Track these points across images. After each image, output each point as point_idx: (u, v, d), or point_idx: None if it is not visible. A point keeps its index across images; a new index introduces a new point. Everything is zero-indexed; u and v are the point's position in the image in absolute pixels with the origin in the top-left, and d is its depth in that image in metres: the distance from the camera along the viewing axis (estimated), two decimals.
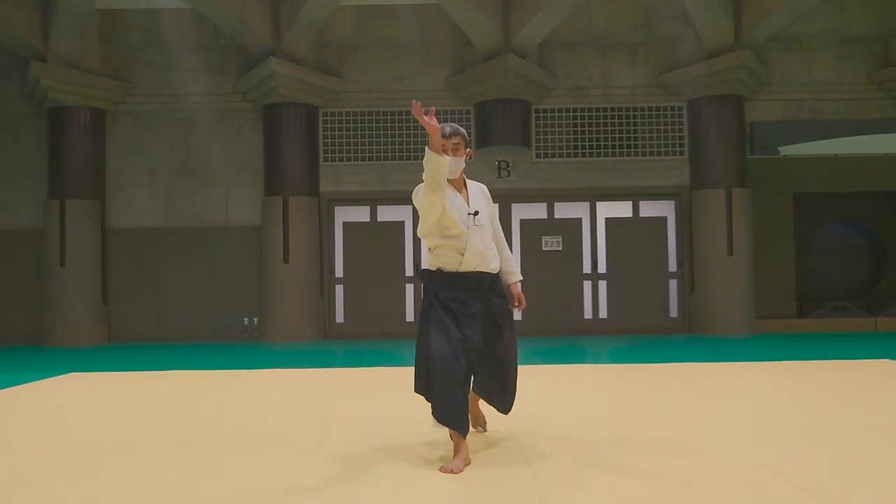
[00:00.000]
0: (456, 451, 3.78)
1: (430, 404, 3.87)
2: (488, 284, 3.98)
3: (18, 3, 11.21)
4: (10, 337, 12.23)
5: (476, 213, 3.95)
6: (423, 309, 3.96)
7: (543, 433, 4.51)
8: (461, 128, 4.05)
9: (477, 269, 3.92)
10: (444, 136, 3.89)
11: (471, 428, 4.06)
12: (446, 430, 3.86)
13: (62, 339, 11.83)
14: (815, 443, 4.21)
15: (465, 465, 3.73)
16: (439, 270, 3.96)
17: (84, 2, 11.03)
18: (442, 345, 3.76)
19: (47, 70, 11.54)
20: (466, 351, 3.82)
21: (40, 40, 11.50)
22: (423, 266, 4.09)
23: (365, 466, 3.82)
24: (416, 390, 3.97)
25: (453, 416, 3.74)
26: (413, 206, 4.18)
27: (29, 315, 12.26)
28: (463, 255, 3.89)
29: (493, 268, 3.99)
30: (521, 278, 4.20)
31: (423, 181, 3.88)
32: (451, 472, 3.66)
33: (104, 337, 12.25)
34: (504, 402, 4.17)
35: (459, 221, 3.88)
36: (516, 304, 4.12)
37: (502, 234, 4.21)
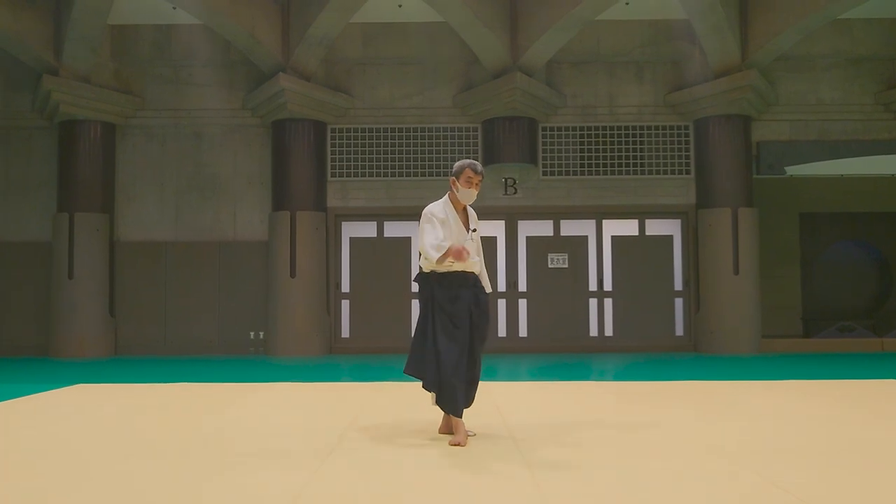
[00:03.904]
0: (456, 429, 4.67)
1: (425, 384, 4.80)
2: (472, 282, 4.89)
3: (31, 18, 11.34)
4: (18, 348, 12.29)
5: (475, 230, 5.01)
6: (424, 308, 4.87)
7: (549, 447, 4.52)
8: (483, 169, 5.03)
9: (464, 270, 4.83)
10: (475, 171, 4.90)
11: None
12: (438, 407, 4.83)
13: (69, 351, 11.87)
14: (824, 462, 4.21)
15: (467, 436, 4.66)
16: (433, 272, 4.82)
17: (96, 17, 11.15)
18: (447, 347, 4.68)
19: (59, 84, 11.66)
20: (465, 345, 4.71)
21: (52, 55, 11.62)
22: (419, 270, 5.00)
23: (374, 475, 3.84)
24: (407, 371, 4.89)
25: (456, 407, 4.69)
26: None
27: (37, 327, 12.32)
28: (454, 261, 4.72)
29: (476, 270, 4.92)
30: (489, 291, 5.03)
31: (430, 208, 4.95)
32: (459, 444, 4.55)
33: (111, 349, 12.28)
34: (474, 393, 4.89)
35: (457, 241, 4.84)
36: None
37: (481, 251, 5.14)
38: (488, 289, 5.01)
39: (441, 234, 4.76)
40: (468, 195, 4.90)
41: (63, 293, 11.96)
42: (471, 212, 5.09)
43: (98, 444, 4.76)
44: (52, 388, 7.63)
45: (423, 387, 4.84)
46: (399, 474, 3.93)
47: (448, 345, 4.68)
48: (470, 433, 4.82)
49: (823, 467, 4.06)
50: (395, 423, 5.39)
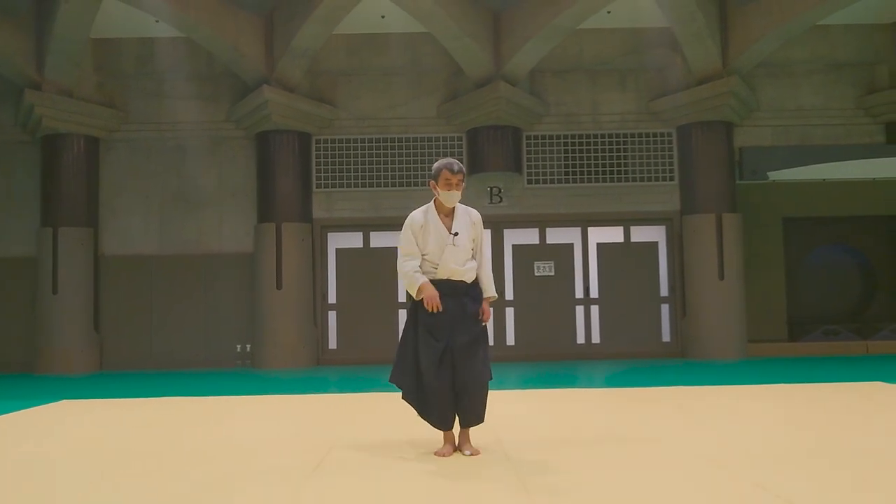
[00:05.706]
0: (445, 441, 4.64)
1: (404, 395, 4.73)
2: (462, 290, 4.65)
3: (13, 32, 11.29)
4: (2, 364, 12.17)
5: (456, 234, 4.66)
6: (408, 318, 4.75)
7: (540, 457, 4.52)
8: (462, 166, 4.74)
9: (449, 278, 4.63)
10: (451, 171, 4.62)
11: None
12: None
13: (54, 367, 11.77)
14: (809, 464, 4.23)
15: (453, 450, 4.59)
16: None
17: (79, 30, 11.11)
18: (428, 363, 4.53)
19: (41, 98, 11.60)
20: (447, 357, 4.52)
21: (35, 69, 11.57)
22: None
23: (362, 489, 3.82)
24: (391, 380, 4.77)
25: (442, 421, 4.60)
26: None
27: (21, 342, 12.19)
28: (437, 268, 4.64)
29: (466, 278, 4.67)
30: (493, 296, 4.77)
31: (411, 214, 4.74)
32: (444, 455, 4.53)
33: (96, 364, 12.19)
34: (472, 406, 4.59)
35: (437, 251, 4.63)
36: (481, 315, 4.70)
37: (487, 255, 4.87)
38: (487, 293, 4.74)
39: (417, 262, 4.62)
40: (450, 197, 4.64)
41: (47, 308, 11.87)
42: (461, 214, 4.75)
43: (84, 461, 4.72)
44: (36, 405, 7.56)
45: (402, 397, 4.74)
46: (388, 487, 3.91)
47: (428, 357, 4.52)
48: (469, 453, 4.60)
49: (813, 470, 4.08)
50: (384, 436, 5.38)
